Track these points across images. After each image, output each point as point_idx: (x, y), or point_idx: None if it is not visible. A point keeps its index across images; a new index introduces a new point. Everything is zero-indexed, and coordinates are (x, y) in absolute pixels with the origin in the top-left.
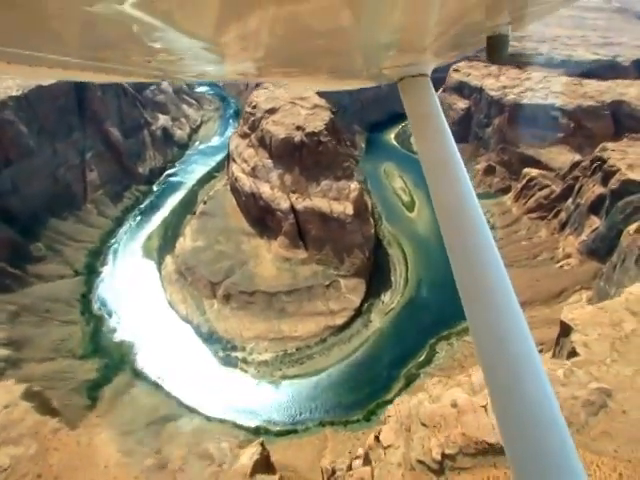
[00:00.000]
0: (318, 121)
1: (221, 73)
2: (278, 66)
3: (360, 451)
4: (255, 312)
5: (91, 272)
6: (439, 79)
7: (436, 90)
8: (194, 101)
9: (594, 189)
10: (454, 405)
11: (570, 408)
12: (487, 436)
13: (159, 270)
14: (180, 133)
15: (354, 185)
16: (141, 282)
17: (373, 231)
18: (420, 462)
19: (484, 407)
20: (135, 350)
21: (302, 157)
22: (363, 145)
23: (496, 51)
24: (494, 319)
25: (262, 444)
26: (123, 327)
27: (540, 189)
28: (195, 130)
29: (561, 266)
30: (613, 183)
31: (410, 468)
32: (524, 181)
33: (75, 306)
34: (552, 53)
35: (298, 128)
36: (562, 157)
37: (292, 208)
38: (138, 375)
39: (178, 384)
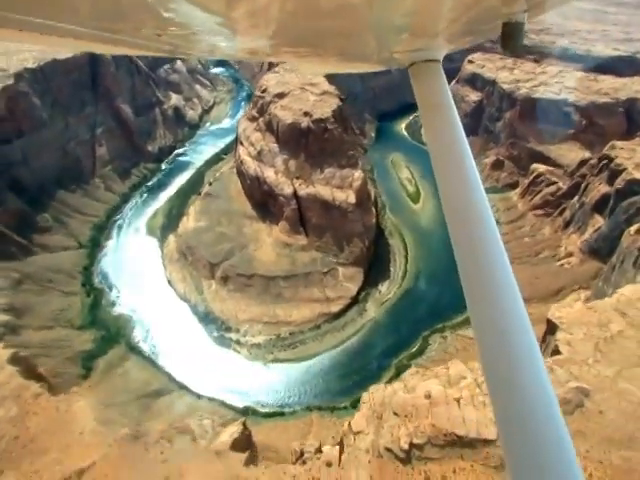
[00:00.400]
0: (326, 107)
1: (231, 50)
2: (288, 45)
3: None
4: (252, 295)
5: (95, 245)
6: (454, 70)
7: (449, 81)
8: (208, 82)
9: (599, 188)
10: (427, 396)
11: None
12: (457, 428)
13: (161, 248)
14: (192, 113)
15: (358, 174)
16: (143, 258)
17: (374, 221)
18: (388, 450)
19: (457, 400)
20: (132, 324)
21: (308, 143)
22: (373, 134)
23: (511, 40)
24: (496, 311)
25: (244, 423)
26: (122, 301)
27: (547, 186)
28: (207, 111)
29: (562, 265)
30: (618, 183)
31: (378, 455)
32: (531, 177)
33: (77, 277)
34: (570, 47)
35: (305, 114)
36: (572, 154)
37: (295, 194)
38: (133, 349)
39: (171, 361)
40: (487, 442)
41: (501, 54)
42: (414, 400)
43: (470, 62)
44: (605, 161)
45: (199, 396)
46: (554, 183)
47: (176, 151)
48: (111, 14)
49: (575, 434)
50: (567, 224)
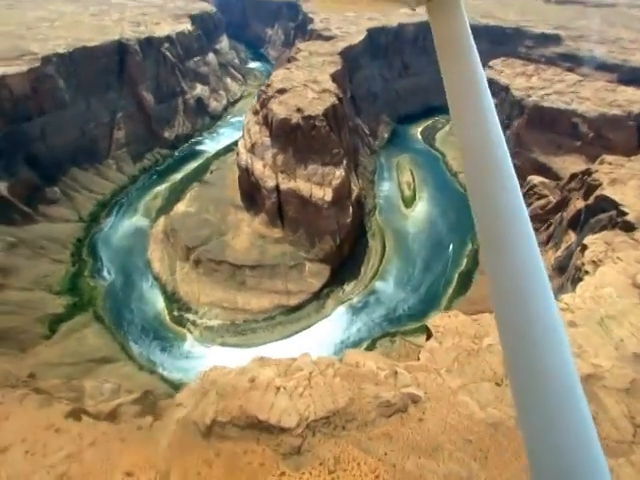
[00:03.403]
0: (320, 105)
1: None
2: None
3: None
4: (218, 280)
5: (93, 220)
6: None
7: None
8: (240, 75)
9: (576, 203)
10: (251, 380)
11: (364, 406)
12: (260, 413)
13: (151, 228)
14: (215, 104)
15: (339, 172)
16: (133, 236)
17: (349, 220)
18: (194, 423)
19: (278, 388)
20: (103, 295)
21: (296, 139)
22: (386, 135)
23: None
24: (511, 258)
25: (146, 393)
26: (102, 274)
27: (538, 199)
28: (233, 103)
29: None
30: (590, 199)
31: (183, 427)
32: (525, 189)
33: (68, 248)
34: (606, 57)
35: (298, 110)
36: (575, 167)
37: (277, 187)
38: (97, 318)
39: (128, 333)
40: (284, 430)
41: (524, 60)
42: (238, 382)
43: (490, 67)
44: (586, 176)
45: (141, 367)
46: (545, 196)
47: (192, 140)
48: None
49: (381, 436)
50: (548, 240)
